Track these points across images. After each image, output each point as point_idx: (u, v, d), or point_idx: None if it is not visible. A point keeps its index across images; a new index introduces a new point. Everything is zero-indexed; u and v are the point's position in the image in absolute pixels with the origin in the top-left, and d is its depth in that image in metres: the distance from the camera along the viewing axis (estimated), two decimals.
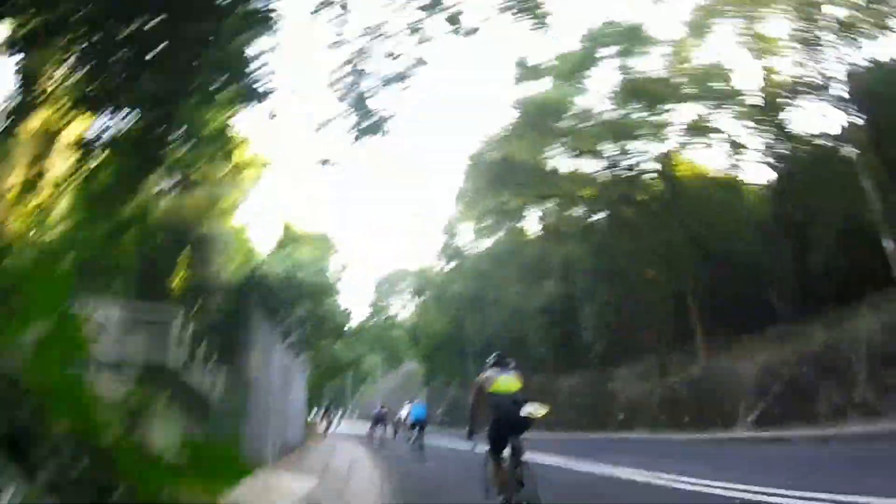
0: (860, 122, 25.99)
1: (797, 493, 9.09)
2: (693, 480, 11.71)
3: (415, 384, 74.99)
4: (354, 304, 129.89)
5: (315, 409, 49.71)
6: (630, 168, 37.84)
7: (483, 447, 8.97)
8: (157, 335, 20.20)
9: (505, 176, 39.52)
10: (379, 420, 35.68)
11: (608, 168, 38.42)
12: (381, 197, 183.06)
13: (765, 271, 30.99)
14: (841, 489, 8.70)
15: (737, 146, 34.90)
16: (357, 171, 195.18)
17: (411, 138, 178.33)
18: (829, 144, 31.15)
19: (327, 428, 46.36)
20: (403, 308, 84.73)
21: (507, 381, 8.83)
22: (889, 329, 19.07)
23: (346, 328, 54.47)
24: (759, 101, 32.39)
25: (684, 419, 28.58)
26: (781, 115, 32.08)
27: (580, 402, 40.03)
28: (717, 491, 10.39)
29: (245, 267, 42.88)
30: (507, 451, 8.50)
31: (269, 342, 18.20)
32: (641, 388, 34.22)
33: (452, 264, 63.59)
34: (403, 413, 34.66)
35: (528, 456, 8.49)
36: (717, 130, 34.68)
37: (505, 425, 8.52)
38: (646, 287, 37.24)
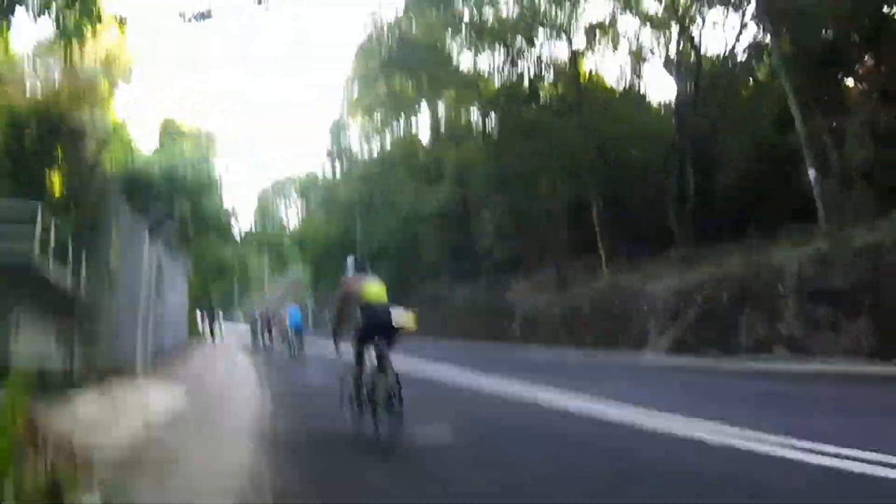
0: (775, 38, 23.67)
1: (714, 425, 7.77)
2: (594, 404, 10.08)
3: (302, 290, 73.34)
4: (241, 208, 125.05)
5: (201, 312, 47.36)
6: (532, 67, 36.05)
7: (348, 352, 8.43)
8: (21, 233, 17.76)
9: (399, 59, 37.52)
10: (260, 324, 33.80)
11: (508, 64, 36.50)
12: (267, 94, 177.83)
13: (667, 191, 29.72)
14: (761, 426, 7.42)
15: (640, 56, 33.89)
16: (242, 66, 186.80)
17: (298, 21, 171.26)
18: (741, 61, 30.13)
19: (212, 332, 44.08)
20: (291, 215, 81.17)
21: (374, 288, 8.34)
22: (820, 263, 17.27)
23: (230, 229, 51.22)
24: (666, 9, 31.08)
25: (587, 337, 26.65)
26: (689, 26, 30.93)
27: (475, 312, 38.10)
28: (627, 417, 8.89)
29: (123, 162, 39.67)
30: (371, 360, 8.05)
31: (139, 239, 16.48)
32: (540, 301, 32.22)
33: (340, 168, 60.60)
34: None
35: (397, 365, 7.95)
36: (619, 35, 33.93)
37: (374, 331, 8.01)
38: (546, 195, 35.04)
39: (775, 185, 24.63)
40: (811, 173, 20.21)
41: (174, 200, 39.66)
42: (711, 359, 18.55)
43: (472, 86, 39.23)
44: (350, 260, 8.92)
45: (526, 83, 36.70)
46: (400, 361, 8.04)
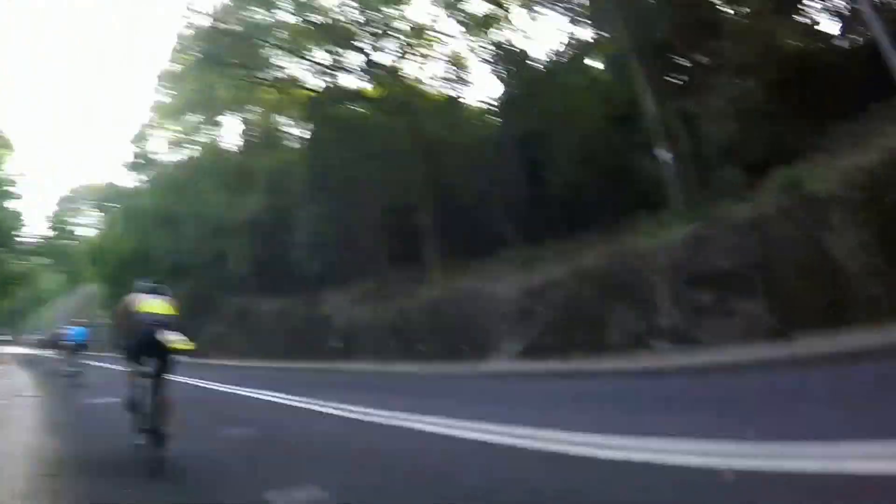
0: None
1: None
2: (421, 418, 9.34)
3: (95, 306, 68.09)
4: (33, 217, 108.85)
5: None
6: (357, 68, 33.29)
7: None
8: None
9: (215, 54, 33.76)
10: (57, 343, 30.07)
11: (325, 71, 33.80)
12: (68, 98, 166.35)
13: (495, 193, 27.77)
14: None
15: (460, 60, 32.20)
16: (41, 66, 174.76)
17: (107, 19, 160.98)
18: (569, 59, 29.75)
19: None
20: (87, 227, 74.09)
21: (152, 303, 8.06)
22: (694, 245, 15.62)
23: (15, 236, 44.73)
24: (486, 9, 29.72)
25: (419, 349, 24.22)
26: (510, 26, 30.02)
27: (288, 328, 34.76)
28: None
29: None
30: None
31: None
32: (361, 313, 29.49)
33: (143, 177, 55.38)
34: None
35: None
36: (437, 40, 32.11)
37: (142, 344, 7.73)
38: (367, 201, 32.38)
39: (613, 179, 23.43)
40: (664, 155, 19.76)
41: None
42: (561, 362, 17.12)
43: (289, 87, 36.30)
44: (142, 281, 8.72)
45: (351, 85, 34.58)
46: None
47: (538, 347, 18.98)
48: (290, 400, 13.70)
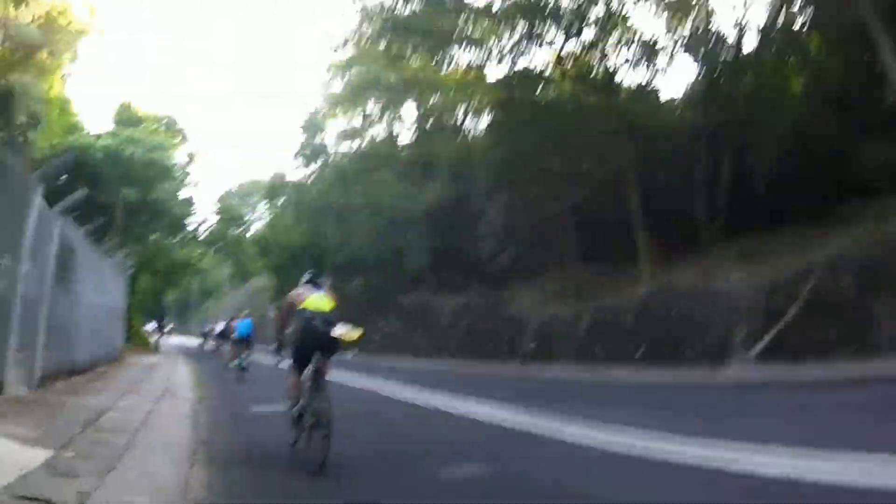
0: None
1: None
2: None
3: (264, 300, 66.62)
4: (203, 207, 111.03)
5: (150, 319, 41.30)
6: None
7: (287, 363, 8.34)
8: None
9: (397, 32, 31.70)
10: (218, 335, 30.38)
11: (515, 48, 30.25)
12: (238, 89, 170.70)
13: (694, 180, 25.20)
14: None
15: (652, 48, 28.12)
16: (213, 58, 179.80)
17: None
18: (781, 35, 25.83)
19: (157, 341, 41.03)
20: (256, 220, 74.27)
21: (318, 299, 7.95)
22: None
23: (186, 224, 44.15)
24: None
25: (630, 352, 21.09)
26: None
27: (471, 326, 32.00)
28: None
29: (62, 141, 33.38)
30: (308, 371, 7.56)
31: (48, 229, 12.01)
32: (562, 312, 26.29)
33: (314, 166, 54.13)
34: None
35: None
36: (628, 28, 28.16)
37: (311, 342, 7.63)
38: (558, 190, 29.19)
39: (826, 165, 20.88)
40: None
41: (118, 188, 33.42)
42: (820, 366, 14.20)
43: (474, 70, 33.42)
44: (306, 274, 8.58)
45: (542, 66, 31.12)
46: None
47: (781, 349, 15.95)
48: (500, 415, 10.71)
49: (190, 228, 44.06)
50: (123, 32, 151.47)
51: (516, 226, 31.12)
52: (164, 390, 14.86)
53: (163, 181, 36.99)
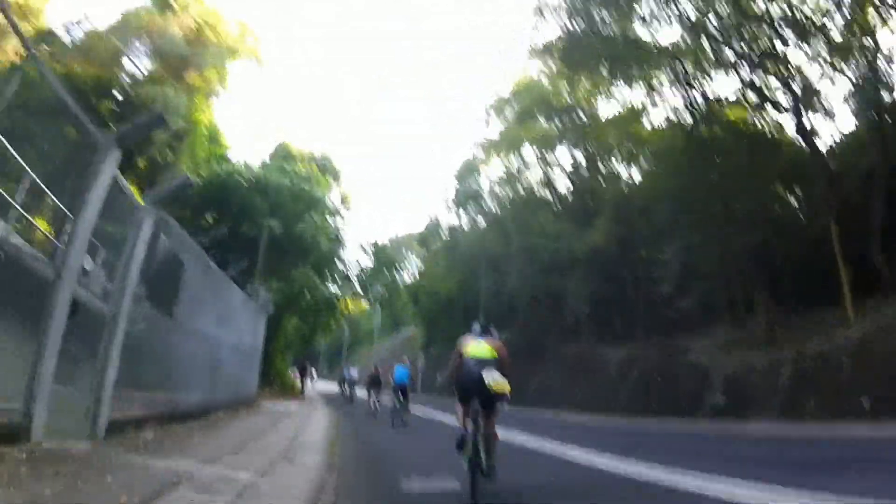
0: None
1: None
2: None
3: (413, 349, 65.21)
4: (353, 252, 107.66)
5: (296, 364, 42.60)
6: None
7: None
8: None
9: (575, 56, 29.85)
10: (354, 382, 30.25)
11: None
12: (393, 136, 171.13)
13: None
14: None
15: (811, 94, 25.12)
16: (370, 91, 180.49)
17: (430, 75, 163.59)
18: None
19: (303, 386, 39.31)
20: (408, 270, 71.89)
21: (477, 346, 8.29)
22: None
23: (335, 262, 41.03)
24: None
25: (853, 404, 16.96)
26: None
27: (637, 378, 28.54)
28: None
29: (206, 165, 31.66)
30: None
31: (134, 221, 9.37)
32: (751, 360, 22.59)
33: (467, 214, 51.66)
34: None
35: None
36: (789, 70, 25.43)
37: (466, 386, 8.01)
38: (741, 229, 25.60)
39: None
40: None
41: (263, 214, 31.08)
42: None
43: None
44: (476, 324, 8.91)
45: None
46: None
47: None
48: (741, 493, 7.41)
49: (340, 268, 40.78)
50: (284, 66, 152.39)
51: (696, 268, 28.01)
52: (284, 450, 10.98)
53: (311, 212, 34.23)
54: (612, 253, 32.73)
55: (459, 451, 7.84)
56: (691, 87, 28.16)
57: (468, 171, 51.12)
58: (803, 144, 25.24)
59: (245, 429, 14.05)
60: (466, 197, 51.14)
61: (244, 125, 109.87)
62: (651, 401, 26.11)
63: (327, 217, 37.02)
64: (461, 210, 52.63)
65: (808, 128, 25.36)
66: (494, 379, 7.65)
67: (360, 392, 33.90)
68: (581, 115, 38.77)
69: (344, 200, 42.45)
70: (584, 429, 21.99)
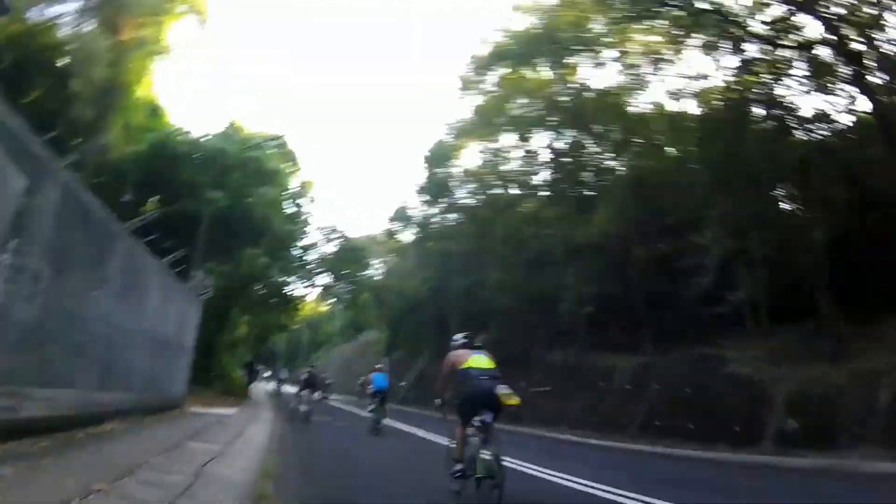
0: None
1: None
2: None
3: (374, 354, 58.05)
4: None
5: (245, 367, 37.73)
6: None
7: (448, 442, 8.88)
8: None
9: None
10: (308, 385, 24.03)
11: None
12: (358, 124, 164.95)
13: None
14: None
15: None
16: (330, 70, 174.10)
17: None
18: None
19: (248, 387, 35.28)
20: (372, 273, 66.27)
21: (480, 359, 8.31)
22: None
23: (291, 247, 35.55)
24: None
25: None
26: None
27: (666, 393, 22.94)
28: None
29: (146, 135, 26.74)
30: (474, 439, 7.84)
31: None
32: (824, 377, 17.24)
33: (437, 207, 46.39)
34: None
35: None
36: None
37: (477, 399, 7.87)
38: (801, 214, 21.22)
39: None
40: None
41: (205, 185, 26.20)
42: None
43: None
44: (459, 336, 8.95)
45: None
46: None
47: None
48: None
49: (298, 254, 34.83)
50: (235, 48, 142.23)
51: (737, 257, 22.77)
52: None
53: (262, 186, 29.05)
54: (617, 244, 27.65)
55: (458, 479, 7.87)
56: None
57: (440, 155, 44.85)
58: None
59: (118, 458, 8.10)
60: (438, 185, 45.09)
61: (193, 108, 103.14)
62: (680, 422, 20.61)
63: (281, 191, 31.40)
64: (431, 200, 46.61)
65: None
66: (507, 393, 7.64)
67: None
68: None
69: (304, 188, 36.91)
70: (606, 456, 17.33)
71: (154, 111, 28.31)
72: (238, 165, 27.75)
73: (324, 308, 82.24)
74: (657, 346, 25.58)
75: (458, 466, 7.92)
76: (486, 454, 7.36)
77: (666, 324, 25.59)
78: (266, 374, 57.84)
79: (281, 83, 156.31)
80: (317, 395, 24.01)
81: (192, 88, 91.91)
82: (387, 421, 19.92)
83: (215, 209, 25.30)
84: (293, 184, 34.99)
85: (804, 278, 20.88)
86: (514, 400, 7.68)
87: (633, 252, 27.04)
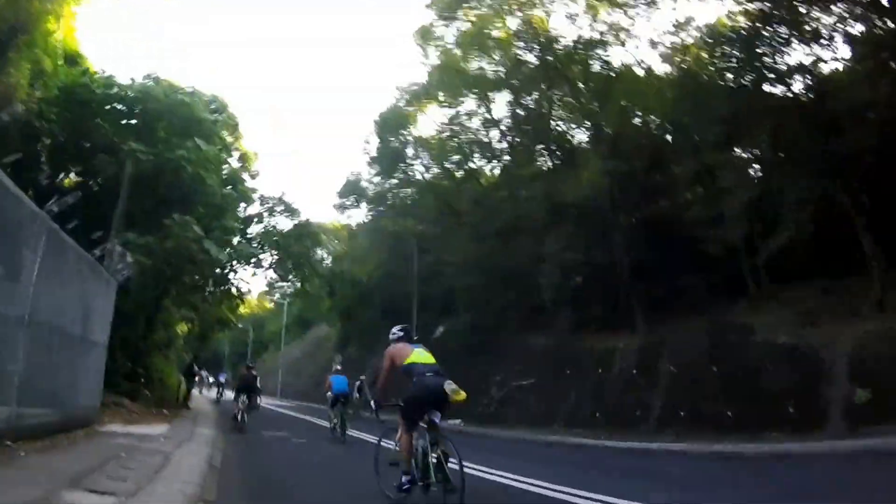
0: None
1: None
2: None
3: (325, 351, 56.19)
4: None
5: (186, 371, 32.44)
6: None
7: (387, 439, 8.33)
8: None
9: None
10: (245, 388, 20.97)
11: None
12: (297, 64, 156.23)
13: None
14: None
15: None
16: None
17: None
18: None
19: (188, 396, 30.68)
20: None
21: (423, 354, 7.73)
22: None
23: (237, 213, 29.10)
24: None
25: None
26: None
27: (681, 376, 19.27)
28: None
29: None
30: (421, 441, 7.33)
31: None
32: (888, 333, 14.21)
33: (391, 182, 41.44)
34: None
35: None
36: None
37: (425, 398, 7.33)
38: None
39: None
40: None
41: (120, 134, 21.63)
42: None
43: None
44: (396, 329, 8.26)
45: None
46: None
47: None
48: None
49: (238, 226, 28.83)
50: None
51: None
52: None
53: (194, 137, 23.23)
54: (607, 204, 24.15)
55: (405, 492, 7.29)
56: None
57: (393, 122, 39.62)
58: None
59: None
60: (391, 155, 39.91)
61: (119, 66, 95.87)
62: (710, 409, 17.02)
63: (218, 149, 25.98)
64: (384, 172, 41.26)
65: None
66: (455, 389, 7.10)
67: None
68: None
69: (245, 161, 31.52)
70: (631, 462, 13.90)
71: (73, 60, 23.64)
72: (165, 112, 22.96)
73: (269, 305, 77.98)
74: (653, 322, 22.35)
75: (406, 478, 7.28)
76: (435, 457, 6.86)
77: (658, 295, 22.77)
78: (210, 380, 53.36)
79: (218, 46, 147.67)
80: (241, 400, 20.22)
81: (118, 43, 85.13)
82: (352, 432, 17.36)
83: (137, 168, 20.43)
84: (234, 156, 29.92)
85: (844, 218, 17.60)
86: (462, 395, 7.12)
87: (621, 214, 24.33)
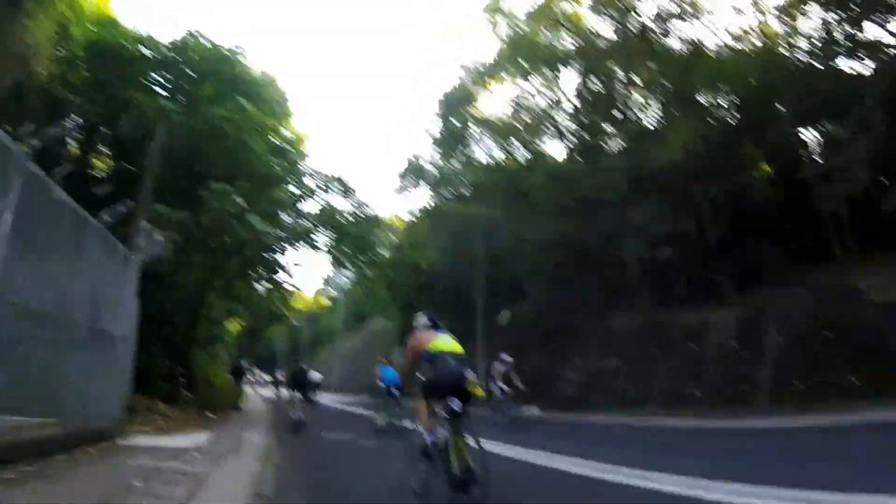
0: None
1: None
2: None
3: (381, 345, 52.83)
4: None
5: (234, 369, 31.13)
6: None
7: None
8: None
9: None
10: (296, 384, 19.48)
11: None
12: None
13: None
14: None
15: None
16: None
17: None
18: None
19: (239, 398, 28.54)
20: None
21: (448, 341, 7.34)
22: None
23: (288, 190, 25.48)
24: None
25: None
26: None
27: (794, 345, 17.59)
28: None
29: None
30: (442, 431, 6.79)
31: None
32: None
33: (454, 164, 39.97)
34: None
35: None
36: None
37: (445, 382, 6.86)
38: None
39: None
40: None
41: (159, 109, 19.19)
42: None
43: None
44: (421, 315, 7.95)
45: None
46: None
47: None
48: None
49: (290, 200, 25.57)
50: None
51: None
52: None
53: (234, 95, 20.79)
54: (697, 168, 22.69)
55: (427, 459, 6.91)
56: None
57: (456, 102, 38.38)
58: None
59: None
60: (455, 136, 38.65)
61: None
62: (828, 377, 15.49)
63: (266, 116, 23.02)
64: (448, 153, 40.04)
65: None
66: (474, 380, 6.87)
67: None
68: None
69: (297, 143, 28.45)
70: (768, 443, 11.79)
71: (107, 25, 21.48)
72: (207, 71, 20.62)
73: (325, 302, 77.07)
74: (743, 293, 21.42)
75: (430, 439, 6.75)
76: (457, 449, 6.37)
77: (744, 266, 21.81)
78: (266, 378, 52.78)
79: (268, 26, 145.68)
80: (295, 394, 19.05)
81: (160, 17, 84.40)
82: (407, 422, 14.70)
83: (169, 134, 17.76)
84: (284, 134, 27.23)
85: None
86: (480, 391, 6.94)
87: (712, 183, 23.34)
